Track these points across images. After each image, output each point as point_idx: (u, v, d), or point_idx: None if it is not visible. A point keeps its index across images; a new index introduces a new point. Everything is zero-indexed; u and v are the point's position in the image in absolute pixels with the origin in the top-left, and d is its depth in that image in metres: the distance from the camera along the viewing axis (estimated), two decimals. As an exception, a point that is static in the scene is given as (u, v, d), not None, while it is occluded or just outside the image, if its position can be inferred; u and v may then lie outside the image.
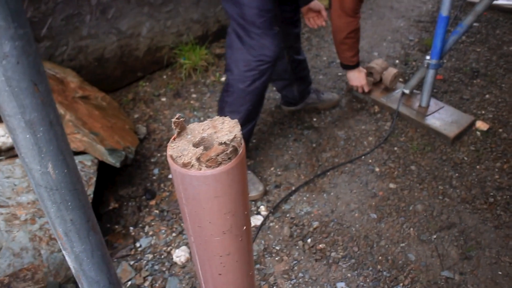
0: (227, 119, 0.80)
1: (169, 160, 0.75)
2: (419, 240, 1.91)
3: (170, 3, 3.03)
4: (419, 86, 2.69)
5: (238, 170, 0.76)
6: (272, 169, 2.35)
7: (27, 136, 0.50)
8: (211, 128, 0.79)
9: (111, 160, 1.87)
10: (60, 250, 1.65)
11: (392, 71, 2.75)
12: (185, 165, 0.72)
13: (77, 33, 2.57)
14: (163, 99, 2.95)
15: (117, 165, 1.89)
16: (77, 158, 1.88)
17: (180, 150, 0.75)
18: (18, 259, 1.59)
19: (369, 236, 1.95)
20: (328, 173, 2.29)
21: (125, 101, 2.92)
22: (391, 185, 2.19)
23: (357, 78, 2.66)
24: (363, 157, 2.38)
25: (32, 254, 1.60)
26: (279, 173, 2.31)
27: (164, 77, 3.18)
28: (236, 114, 2.04)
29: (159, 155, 2.46)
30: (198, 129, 0.79)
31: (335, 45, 2.55)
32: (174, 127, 0.76)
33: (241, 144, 0.76)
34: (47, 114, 0.50)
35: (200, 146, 0.76)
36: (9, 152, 1.90)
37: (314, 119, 2.68)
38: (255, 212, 2.10)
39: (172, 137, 0.79)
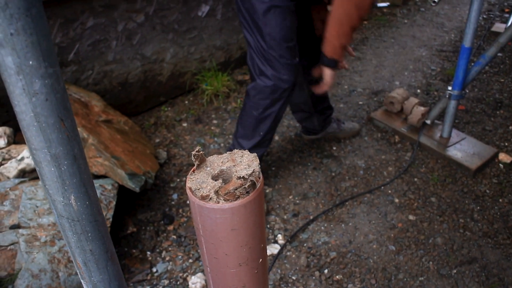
0: (246, 152, 0.81)
1: (188, 192, 0.76)
2: (439, 274, 1.87)
3: (194, 30, 3.10)
4: (441, 116, 2.67)
5: (255, 204, 0.76)
6: (290, 197, 2.34)
7: (52, 169, 0.51)
8: (230, 161, 0.80)
9: (131, 184, 1.90)
10: (77, 273, 1.66)
11: (413, 101, 2.74)
12: (203, 198, 0.73)
13: (102, 58, 2.64)
14: (184, 124, 2.99)
15: (137, 190, 1.91)
16: (98, 182, 1.91)
17: (199, 182, 0.76)
18: (36, 281, 1.60)
19: (387, 269, 1.91)
20: (347, 203, 2.27)
21: (147, 126, 2.96)
22: (411, 217, 2.16)
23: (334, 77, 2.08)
24: (382, 187, 2.35)
25: (50, 276, 1.62)
26: (297, 201, 2.30)
27: (186, 102, 3.23)
28: (247, 140, 2.07)
29: (178, 180, 2.48)
30: (217, 162, 0.80)
31: (343, 27, 1.79)
32: (194, 160, 0.78)
33: (259, 178, 0.76)
34: (71, 149, 0.51)
35: (218, 179, 0.77)
36: (32, 174, 1.94)
37: (334, 148, 2.67)
38: (272, 241, 2.09)
39: (192, 169, 0.80)
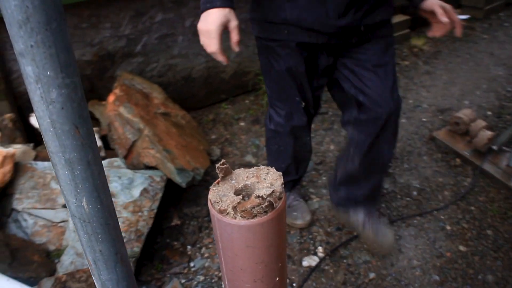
0: (272, 170, 0.80)
1: (209, 203, 0.77)
2: (484, 314, 1.75)
3: (261, 31, 3.12)
4: (510, 143, 2.50)
5: (273, 224, 0.75)
6: (336, 209, 2.29)
7: (66, 172, 0.54)
8: (255, 177, 0.79)
9: (178, 179, 1.95)
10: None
11: (480, 123, 2.59)
12: (221, 212, 0.73)
13: (168, 51, 2.73)
14: (242, 123, 3.02)
15: (183, 185, 1.96)
16: (148, 173, 1.98)
17: (220, 195, 0.76)
18: (79, 259, 1.69)
19: (427, 299, 1.82)
20: (395, 224, 2.19)
21: (205, 121, 3.03)
22: (461, 248, 2.04)
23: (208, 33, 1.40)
24: (435, 212, 2.24)
25: (92, 258, 1.70)
26: (343, 214, 2.25)
27: (247, 101, 3.26)
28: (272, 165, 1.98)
29: (227, 178, 2.50)
30: (243, 176, 0.80)
31: None
32: (218, 172, 0.78)
33: (280, 198, 0.75)
34: (85, 155, 0.53)
35: (241, 193, 0.77)
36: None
37: (390, 164, 2.58)
38: (312, 252, 2.06)
39: (217, 181, 0.80)
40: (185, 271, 1.96)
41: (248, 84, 3.28)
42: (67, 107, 0.50)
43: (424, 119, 2.99)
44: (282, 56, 1.58)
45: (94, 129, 2.26)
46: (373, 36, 1.56)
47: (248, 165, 2.61)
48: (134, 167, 2.09)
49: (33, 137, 2.33)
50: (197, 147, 2.38)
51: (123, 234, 1.76)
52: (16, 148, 2.06)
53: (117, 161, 1.98)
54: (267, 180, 0.78)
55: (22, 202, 1.77)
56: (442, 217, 2.22)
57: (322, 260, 2.01)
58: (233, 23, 1.35)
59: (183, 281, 1.91)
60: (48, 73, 0.47)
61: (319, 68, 1.63)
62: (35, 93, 0.49)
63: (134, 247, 1.77)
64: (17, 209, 1.76)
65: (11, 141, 2.27)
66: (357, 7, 1.44)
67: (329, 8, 1.42)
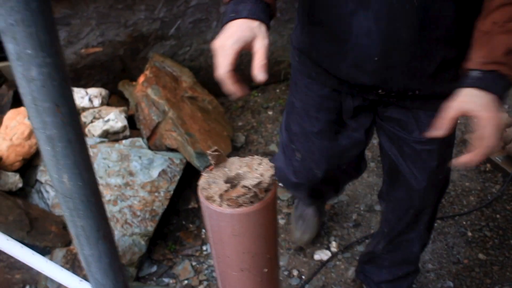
0: (265, 161, 0.80)
1: (198, 189, 0.78)
2: (495, 326, 1.70)
3: (296, 21, 3.09)
4: (545, 153, 2.39)
5: (260, 215, 0.75)
6: (356, 205, 2.27)
7: (48, 148, 0.56)
8: (247, 167, 0.79)
9: (196, 163, 1.97)
10: (131, 234, 1.78)
11: (515, 130, 2.48)
12: (207, 198, 0.74)
13: (201, 36, 2.75)
14: (270, 112, 3.02)
15: (201, 169, 1.98)
16: (168, 155, 2.02)
17: (209, 182, 0.77)
18: (95, 234, 1.75)
19: (438, 305, 1.79)
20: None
21: (234, 107, 3.04)
22: (481, 256, 1.98)
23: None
24: (457, 217, 2.18)
25: (107, 232, 1.75)
26: (362, 212, 2.23)
27: (277, 91, 3.24)
28: None
29: (249, 165, 2.51)
30: (236, 164, 0.81)
31: None
32: (210, 159, 0.79)
33: (268, 190, 0.75)
34: (66, 133, 0.55)
35: (232, 181, 0.78)
36: (114, 136, 2.11)
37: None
38: (325, 247, 2.05)
39: (210, 167, 0.81)
40: (197, 254, 1.99)
41: (281, 73, 3.27)
42: (48, 85, 0.51)
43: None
44: None
45: (122, 108, 2.32)
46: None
47: (272, 154, 2.61)
48: (156, 148, 2.13)
49: (65, 112, 2.41)
50: (221, 133, 2.40)
51: (138, 213, 1.81)
52: (47, 122, 2.14)
53: (139, 141, 2.02)
54: (258, 171, 0.78)
55: (46, 174, 1.84)
56: (464, 222, 2.15)
57: (334, 255, 1.99)
58: (260, 42, 0.92)
59: (194, 263, 1.95)
60: (28, 51, 0.49)
61: None
62: (17, 70, 0.50)
63: (148, 226, 1.81)
64: (40, 180, 1.83)
65: (44, 114, 2.36)
66: None
67: None
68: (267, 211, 0.77)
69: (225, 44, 0.91)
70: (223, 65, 0.91)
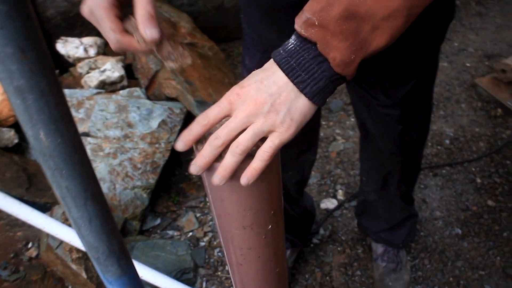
0: None
1: (194, 145, 0.71)
2: (504, 273, 1.68)
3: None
4: (560, 96, 2.30)
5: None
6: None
7: (18, 101, 0.49)
8: None
9: (197, 112, 1.90)
10: (132, 188, 1.74)
11: (530, 72, 2.37)
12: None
13: (199, -21, 2.60)
14: (273, 58, 2.91)
15: (202, 119, 1.91)
16: (168, 104, 1.94)
17: (206, 136, 0.70)
18: (96, 187, 1.71)
19: (445, 252, 1.76)
20: (422, 172, 2.09)
21: (236, 54, 2.93)
22: (490, 202, 1.94)
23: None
24: (466, 163, 2.12)
25: (108, 186, 1.71)
26: (368, 159, 2.17)
27: (280, 35, 3.12)
28: None
29: (252, 114, 2.44)
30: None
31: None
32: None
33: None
34: (36, 83, 0.48)
35: None
36: (111, 86, 2.02)
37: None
38: (331, 195, 2.01)
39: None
40: (201, 205, 1.96)
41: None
42: (8, 26, 0.43)
43: (467, 64, 2.78)
44: None
45: (119, 57, 2.22)
46: None
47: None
48: (155, 97, 2.06)
49: (59, 64, 2.31)
50: (222, 80, 2.31)
51: (139, 165, 1.76)
52: (40, 73, 2.05)
53: (137, 91, 1.94)
54: None
55: (42, 127, 1.78)
56: (473, 169, 2.10)
57: (341, 204, 1.96)
58: None
59: (198, 215, 1.92)
60: (-22, -17, 0.41)
61: None
62: (-31, 7, 0.42)
63: (149, 179, 1.77)
64: (36, 133, 1.77)
65: (38, 65, 2.27)
66: None
67: None
68: (269, 165, 0.70)
69: (93, 10, 0.66)
70: (108, 29, 0.65)
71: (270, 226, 0.80)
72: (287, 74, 0.59)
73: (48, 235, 1.43)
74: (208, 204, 1.96)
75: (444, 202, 1.96)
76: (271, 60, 0.62)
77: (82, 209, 0.61)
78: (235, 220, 0.77)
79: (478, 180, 2.04)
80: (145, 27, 0.61)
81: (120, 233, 1.48)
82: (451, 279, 1.68)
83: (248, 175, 0.61)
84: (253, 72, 0.63)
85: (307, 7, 0.59)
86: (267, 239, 0.83)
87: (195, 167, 0.62)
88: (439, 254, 1.76)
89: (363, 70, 1.07)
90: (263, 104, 0.58)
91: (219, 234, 0.87)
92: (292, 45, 0.59)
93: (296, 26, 0.60)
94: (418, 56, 1.07)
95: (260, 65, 0.80)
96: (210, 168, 0.68)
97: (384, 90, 1.13)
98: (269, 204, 0.76)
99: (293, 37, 0.60)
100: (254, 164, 0.60)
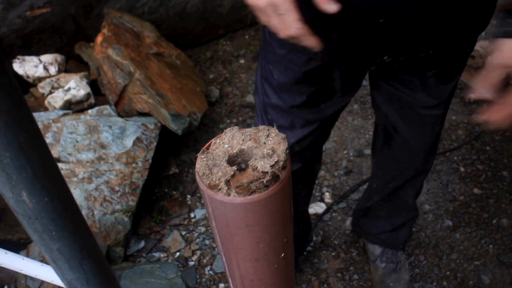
0: (273, 131, 0.65)
1: (196, 175, 0.63)
2: (498, 261, 1.67)
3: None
4: (530, 77, 2.32)
5: (276, 199, 0.62)
6: (345, 152, 2.17)
7: (-9, 161, 0.40)
8: (253, 140, 0.64)
9: (173, 126, 1.81)
10: (112, 212, 1.64)
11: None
12: (211, 187, 0.60)
13: (160, -15, 2.49)
14: (242, 61, 2.83)
15: (179, 132, 1.82)
16: (141, 120, 1.84)
17: (210, 165, 0.62)
18: (72, 216, 1.60)
19: (439, 246, 1.74)
20: (405, 166, 2.07)
21: (203, 59, 2.84)
22: (476, 191, 1.93)
23: None
24: (447, 153, 2.12)
25: (85, 213, 1.60)
26: (352, 158, 2.13)
27: (246, 37, 3.04)
28: None
29: (228, 121, 2.37)
30: (238, 138, 0.65)
31: None
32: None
33: (285, 168, 0.61)
34: (14, 138, 0.39)
35: (236, 162, 0.63)
36: (78, 105, 1.91)
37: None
38: (318, 199, 1.96)
39: (205, 145, 0.66)
40: (185, 222, 1.87)
41: (248, 18, 3.05)
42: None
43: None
44: None
45: (82, 74, 2.09)
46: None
47: (249, 106, 2.46)
48: (126, 114, 1.95)
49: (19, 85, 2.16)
50: (194, 89, 2.22)
51: (117, 188, 1.66)
52: (-1, 97, 1.91)
53: (107, 108, 1.83)
54: (267, 145, 0.63)
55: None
56: (455, 158, 2.10)
57: (329, 207, 1.91)
58: None
59: (183, 233, 1.83)
60: None
61: None
62: None
63: (129, 201, 1.67)
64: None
65: (-5, 88, 2.11)
66: None
67: None
68: (284, 192, 0.63)
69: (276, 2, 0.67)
70: (290, 21, 0.68)
71: (283, 255, 0.74)
72: None
73: (26, 276, 1.32)
74: (193, 220, 1.88)
75: (431, 194, 1.94)
76: None
77: (78, 269, 0.53)
78: (247, 254, 0.70)
79: (462, 169, 2.04)
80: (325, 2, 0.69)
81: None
82: (448, 273, 1.66)
83: None
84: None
85: None
86: (279, 268, 0.76)
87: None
88: (433, 248, 1.73)
89: (404, 67, 1.00)
90: None
91: (225, 267, 0.80)
92: None
93: None
94: (466, 49, 1.00)
95: (296, 80, 0.78)
96: (219, 203, 0.61)
97: (427, 89, 1.05)
98: (283, 233, 0.70)
99: None
100: None
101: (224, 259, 0.76)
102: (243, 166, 0.62)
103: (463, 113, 2.33)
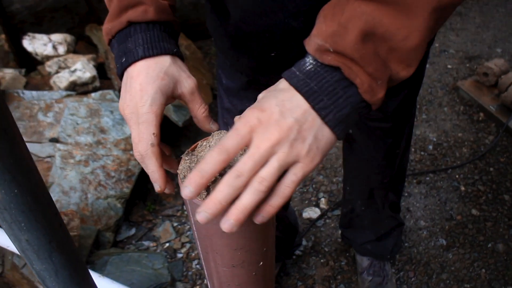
0: None
1: (178, 177, 0.62)
2: (490, 286, 1.65)
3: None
4: (541, 101, 2.29)
5: (258, 206, 0.61)
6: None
7: (-41, 148, 0.39)
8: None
9: (174, 117, 1.80)
10: (106, 197, 1.64)
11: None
12: None
13: (177, -26, 2.48)
14: (252, 57, 2.82)
15: (179, 124, 1.81)
16: (144, 108, 1.84)
17: (192, 167, 0.61)
18: (66, 197, 1.60)
19: (430, 264, 1.72)
20: (406, 179, 2.04)
21: (213, 51, 2.82)
22: (474, 211, 1.91)
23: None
24: (450, 170, 2.09)
25: (79, 196, 1.60)
26: (351, 165, 2.11)
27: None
28: None
29: (232, 116, 2.35)
30: None
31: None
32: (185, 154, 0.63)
33: None
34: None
35: None
36: (82, 87, 1.90)
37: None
38: (313, 203, 1.95)
39: (191, 147, 0.65)
40: (178, 214, 1.87)
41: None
42: None
43: (449, 66, 2.75)
44: None
45: (90, 56, 2.09)
46: None
47: (255, 104, 2.44)
48: (130, 100, 1.94)
49: (26, 62, 2.17)
50: (200, 81, 2.21)
51: (113, 173, 1.66)
52: (6, 73, 1.91)
53: (110, 93, 1.82)
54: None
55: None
56: (457, 176, 2.07)
57: (324, 213, 1.90)
58: (187, 85, 0.66)
59: (175, 224, 1.83)
60: None
61: None
62: None
63: (124, 188, 1.66)
64: None
65: (4, 64, 2.12)
66: None
67: None
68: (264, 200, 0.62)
69: (138, 108, 0.60)
70: (143, 137, 0.60)
71: (261, 263, 0.73)
72: (307, 98, 0.50)
73: (12, 253, 1.32)
74: (185, 213, 1.87)
75: (428, 211, 1.92)
76: (284, 81, 0.53)
77: (47, 261, 0.52)
78: (224, 259, 0.69)
79: (462, 188, 2.01)
80: (206, 124, 0.68)
81: (95, 248, 1.37)
82: (436, 292, 1.64)
83: (264, 214, 0.51)
84: (268, 92, 0.54)
85: (315, 31, 0.51)
86: (257, 276, 0.75)
87: (205, 215, 0.49)
88: (424, 266, 1.72)
89: None
90: (289, 131, 0.49)
91: (204, 270, 0.79)
92: (311, 66, 0.51)
93: (310, 52, 0.52)
94: None
95: (242, 86, 0.71)
96: (191, 204, 0.60)
97: None
98: (262, 242, 0.69)
99: (309, 57, 0.52)
100: (272, 201, 0.50)
101: (203, 262, 0.76)
102: (226, 170, 0.61)
103: (470, 131, 2.30)
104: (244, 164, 0.48)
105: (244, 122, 0.50)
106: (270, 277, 0.82)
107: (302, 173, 0.50)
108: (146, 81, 0.60)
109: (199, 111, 0.68)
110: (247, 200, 0.49)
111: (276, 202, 0.51)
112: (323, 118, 0.50)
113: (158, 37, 0.64)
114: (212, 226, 0.63)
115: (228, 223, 0.50)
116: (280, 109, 0.50)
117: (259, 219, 0.52)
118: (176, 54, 0.66)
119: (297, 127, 0.49)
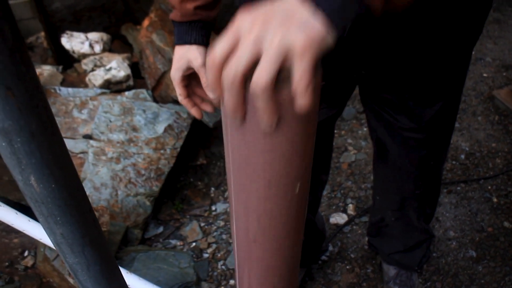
0: None
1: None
2: (520, 301, 1.61)
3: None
4: None
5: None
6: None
7: (3, 144, 0.41)
8: None
9: (205, 118, 1.82)
10: (135, 195, 1.67)
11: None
12: None
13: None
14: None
15: (210, 125, 1.83)
16: (175, 108, 1.86)
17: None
18: (96, 193, 1.64)
19: (459, 276, 1.68)
20: (435, 188, 2.01)
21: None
22: (506, 224, 1.86)
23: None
24: (482, 180, 2.04)
25: (109, 192, 1.64)
26: (380, 171, 2.09)
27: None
28: None
29: (261, 119, 2.36)
30: None
31: None
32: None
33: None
34: (26, 124, 0.40)
35: None
36: (116, 86, 1.95)
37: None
38: (341, 209, 1.93)
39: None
40: (206, 214, 1.88)
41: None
42: (-7, 62, 0.36)
43: (485, 75, 2.68)
44: None
45: (125, 55, 2.13)
46: None
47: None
48: (162, 100, 1.98)
49: (64, 59, 2.23)
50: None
51: (143, 172, 1.69)
52: (44, 70, 1.98)
53: (143, 93, 1.86)
54: None
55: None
56: (489, 187, 2.02)
57: (351, 219, 1.88)
58: (195, 65, 0.96)
59: (202, 224, 1.85)
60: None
61: None
62: None
63: (153, 186, 1.69)
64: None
65: (43, 61, 2.19)
66: None
67: None
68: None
69: (172, 75, 1.00)
70: (178, 94, 1.02)
71: (298, 189, 0.60)
72: None
73: (45, 245, 1.36)
74: (213, 213, 1.89)
75: (458, 221, 1.87)
76: None
77: (80, 255, 0.54)
78: (258, 171, 0.56)
79: (494, 199, 1.96)
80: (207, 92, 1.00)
81: (124, 245, 1.39)
82: (464, 305, 1.60)
83: (299, 99, 0.45)
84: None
85: None
86: (291, 206, 0.62)
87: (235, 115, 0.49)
88: (452, 277, 1.68)
89: (384, 86, 1.00)
90: (275, 15, 0.45)
91: (232, 207, 0.66)
92: None
93: None
94: (445, 74, 0.99)
95: None
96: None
97: (408, 112, 1.06)
98: (303, 154, 0.56)
99: None
100: (299, 101, 0.45)
101: (232, 187, 0.63)
102: None
103: (504, 141, 2.24)
104: (229, 66, 0.46)
105: (231, 26, 0.48)
106: (302, 221, 0.71)
107: (310, 53, 0.44)
108: (174, 61, 0.98)
109: (203, 79, 0.97)
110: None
111: (303, 101, 0.45)
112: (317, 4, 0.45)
113: (183, 31, 0.96)
114: (251, 126, 0.52)
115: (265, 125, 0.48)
116: (268, 7, 0.46)
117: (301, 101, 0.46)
118: (195, 42, 0.95)
119: (284, 14, 0.45)
